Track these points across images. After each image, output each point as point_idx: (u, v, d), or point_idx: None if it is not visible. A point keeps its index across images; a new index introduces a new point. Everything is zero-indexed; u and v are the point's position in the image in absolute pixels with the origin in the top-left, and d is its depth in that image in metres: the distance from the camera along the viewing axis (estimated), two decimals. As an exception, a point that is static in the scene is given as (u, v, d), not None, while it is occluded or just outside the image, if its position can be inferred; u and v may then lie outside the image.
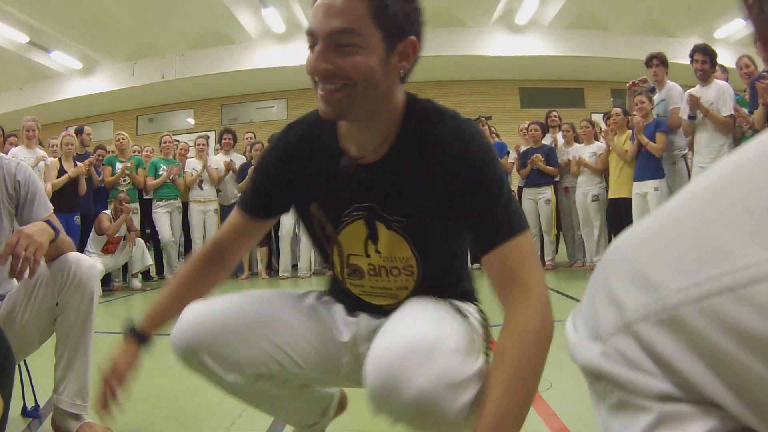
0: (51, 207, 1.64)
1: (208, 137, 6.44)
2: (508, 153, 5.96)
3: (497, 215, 0.91)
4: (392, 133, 0.96)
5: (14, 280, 1.59)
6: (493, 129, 6.16)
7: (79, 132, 5.78)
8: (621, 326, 0.39)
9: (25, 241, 1.30)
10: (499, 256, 0.90)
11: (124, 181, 5.70)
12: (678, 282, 0.35)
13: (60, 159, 5.04)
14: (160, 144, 6.12)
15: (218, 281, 1.16)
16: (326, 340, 1.09)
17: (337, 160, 0.98)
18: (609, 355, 0.40)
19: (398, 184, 0.97)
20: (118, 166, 5.70)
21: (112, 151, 6.00)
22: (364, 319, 1.10)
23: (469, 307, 1.05)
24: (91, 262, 1.54)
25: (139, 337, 1.08)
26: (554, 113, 6.14)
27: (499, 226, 0.91)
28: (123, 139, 5.96)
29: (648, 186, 4.49)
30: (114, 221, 5.05)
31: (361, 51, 0.85)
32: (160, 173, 5.82)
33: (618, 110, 5.08)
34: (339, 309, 1.13)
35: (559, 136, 5.82)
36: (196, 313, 1.02)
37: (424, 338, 0.83)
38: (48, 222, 1.47)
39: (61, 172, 4.96)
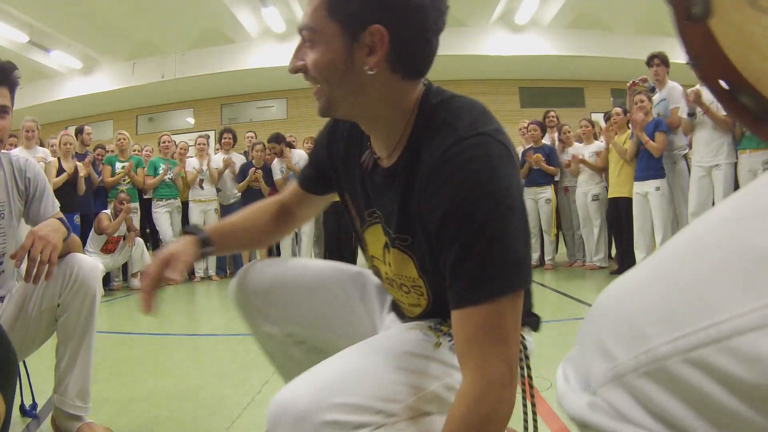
0: (58, 204, 1.64)
1: (208, 137, 6.45)
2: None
3: (470, 270, 0.75)
4: (404, 139, 0.87)
5: (15, 279, 1.58)
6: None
7: (79, 132, 5.78)
8: (612, 377, 0.40)
9: (39, 243, 1.29)
10: (459, 321, 0.76)
11: (124, 180, 5.71)
12: (667, 334, 0.37)
13: (59, 159, 5.05)
14: (159, 144, 6.13)
15: (281, 235, 1.18)
16: (364, 323, 1.09)
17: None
18: (596, 406, 0.41)
19: (397, 198, 0.88)
20: (118, 166, 5.71)
21: (112, 151, 6.01)
22: (388, 320, 1.08)
23: None
24: (93, 263, 1.53)
25: (203, 241, 1.02)
26: (552, 113, 6.14)
27: (468, 285, 0.75)
28: (124, 139, 5.96)
29: (649, 186, 4.49)
30: (113, 221, 5.06)
31: (318, 47, 0.81)
32: (159, 172, 5.83)
33: (618, 110, 5.08)
34: (390, 297, 1.10)
35: (556, 137, 5.83)
36: (257, 270, 1.14)
37: (300, 402, 0.74)
38: (60, 220, 1.46)
39: (60, 171, 4.97)
